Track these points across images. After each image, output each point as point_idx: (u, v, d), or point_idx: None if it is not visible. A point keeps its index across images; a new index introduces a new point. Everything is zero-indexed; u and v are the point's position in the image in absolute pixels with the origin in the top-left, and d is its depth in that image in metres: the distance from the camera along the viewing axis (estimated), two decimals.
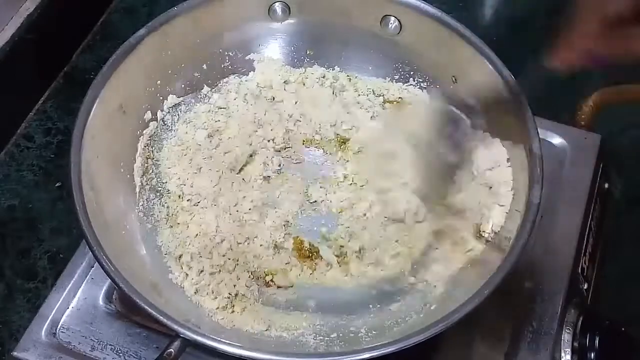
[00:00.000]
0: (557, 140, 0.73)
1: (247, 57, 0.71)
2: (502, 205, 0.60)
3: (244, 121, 0.69)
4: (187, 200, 0.64)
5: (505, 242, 0.57)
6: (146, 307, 0.51)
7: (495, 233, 0.59)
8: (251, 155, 0.68)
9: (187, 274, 0.61)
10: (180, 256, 0.61)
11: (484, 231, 0.60)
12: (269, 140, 0.68)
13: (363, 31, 0.68)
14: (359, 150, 0.68)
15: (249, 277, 0.62)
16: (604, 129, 0.76)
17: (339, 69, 0.71)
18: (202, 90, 0.69)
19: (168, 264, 0.61)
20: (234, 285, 0.61)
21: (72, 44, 0.86)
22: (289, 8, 0.68)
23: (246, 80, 0.71)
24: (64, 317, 0.63)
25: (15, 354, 0.61)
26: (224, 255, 0.62)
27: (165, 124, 0.67)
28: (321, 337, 0.58)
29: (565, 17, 0.50)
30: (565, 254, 0.66)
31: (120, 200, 0.62)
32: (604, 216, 0.73)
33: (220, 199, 0.65)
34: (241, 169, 0.67)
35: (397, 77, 0.70)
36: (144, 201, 0.64)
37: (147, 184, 0.65)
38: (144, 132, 0.66)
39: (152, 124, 0.66)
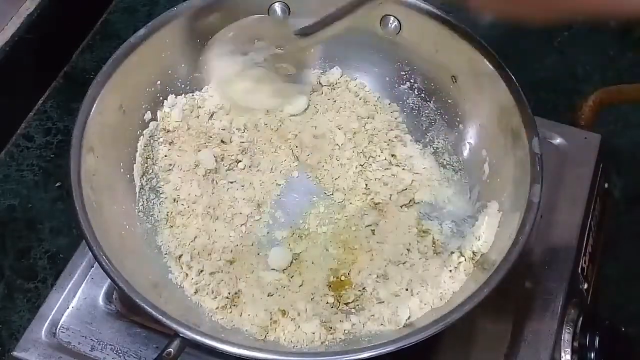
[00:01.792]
0: (557, 140, 0.72)
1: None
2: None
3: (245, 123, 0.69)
4: (183, 205, 0.64)
5: (505, 241, 0.57)
6: (146, 306, 0.51)
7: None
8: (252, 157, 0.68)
9: (187, 274, 0.61)
10: (180, 256, 0.62)
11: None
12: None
13: (362, 31, 0.68)
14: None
15: (249, 276, 0.62)
16: (604, 128, 0.76)
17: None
18: (203, 90, 0.69)
19: (168, 264, 0.61)
20: (234, 285, 0.61)
21: (72, 43, 0.86)
22: (289, 8, 0.68)
23: None
24: (63, 317, 0.63)
25: (15, 353, 0.61)
26: (223, 255, 0.62)
27: (164, 125, 0.67)
28: None
29: None
30: (565, 254, 0.66)
31: (120, 200, 0.62)
32: (604, 216, 0.73)
33: (217, 203, 0.65)
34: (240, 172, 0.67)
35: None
36: (143, 201, 0.64)
37: (146, 184, 0.65)
38: (144, 132, 0.66)
39: (152, 124, 0.66)
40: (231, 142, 0.68)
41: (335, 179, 0.67)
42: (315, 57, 0.70)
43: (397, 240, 0.63)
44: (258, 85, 0.67)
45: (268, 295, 0.61)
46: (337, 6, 0.59)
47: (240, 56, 0.65)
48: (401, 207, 0.66)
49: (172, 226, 0.63)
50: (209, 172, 0.66)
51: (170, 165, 0.66)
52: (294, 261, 0.63)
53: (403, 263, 0.62)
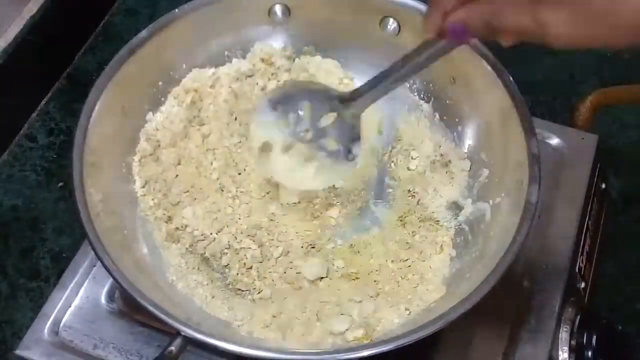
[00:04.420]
0: (554, 140, 0.73)
1: (247, 59, 0.71)
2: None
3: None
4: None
5: (503, 241, 0.57)
6: (148, 305, 0.51)
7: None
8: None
9: (188, 273, 0.61)
10: (181, 255, 0.62)
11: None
12: None
13: (362, 33, 0.68)
14: None
15: (249, 276, 0.62)
16: (601, 129, 0.76)
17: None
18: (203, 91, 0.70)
19: (169, 263, 0.62)
20: (235, 284, 0.61)
21: (75, 45, 0.87)
22: (289, 10, 0.69)
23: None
24: (66, 316, 0.63)
25: (18, 352, 0.62)
26: (224, 255, 0.63)
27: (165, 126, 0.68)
28: None
29: None
30: (563, 253, 0.66)
31: (122, 200, 0.62)
32: (601, 216, 0.73)
33: (217, 213, 0.65)
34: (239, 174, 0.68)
35: None
36: (145, 201, 0.64)
37: (148, 184, 0.65)
38: (145, 132, 0.66)
39: (154, 125, 0.67)
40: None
41: None
42: (360, 129, 0.61)
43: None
44: (301, 163, 0.61)
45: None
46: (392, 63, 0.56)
47: (285, 128, 0.61)
48: None
49: (172, 225, 0.64)
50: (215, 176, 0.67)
51: (174, 164, 0.66)
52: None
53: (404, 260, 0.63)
